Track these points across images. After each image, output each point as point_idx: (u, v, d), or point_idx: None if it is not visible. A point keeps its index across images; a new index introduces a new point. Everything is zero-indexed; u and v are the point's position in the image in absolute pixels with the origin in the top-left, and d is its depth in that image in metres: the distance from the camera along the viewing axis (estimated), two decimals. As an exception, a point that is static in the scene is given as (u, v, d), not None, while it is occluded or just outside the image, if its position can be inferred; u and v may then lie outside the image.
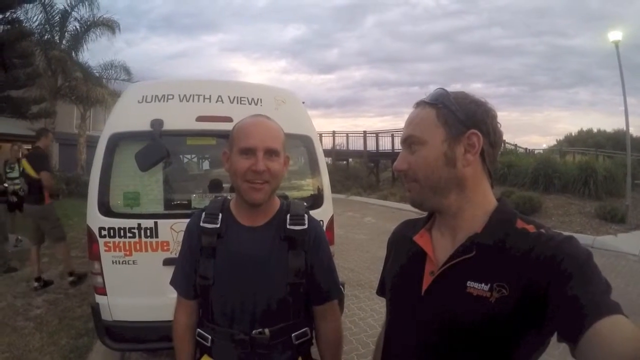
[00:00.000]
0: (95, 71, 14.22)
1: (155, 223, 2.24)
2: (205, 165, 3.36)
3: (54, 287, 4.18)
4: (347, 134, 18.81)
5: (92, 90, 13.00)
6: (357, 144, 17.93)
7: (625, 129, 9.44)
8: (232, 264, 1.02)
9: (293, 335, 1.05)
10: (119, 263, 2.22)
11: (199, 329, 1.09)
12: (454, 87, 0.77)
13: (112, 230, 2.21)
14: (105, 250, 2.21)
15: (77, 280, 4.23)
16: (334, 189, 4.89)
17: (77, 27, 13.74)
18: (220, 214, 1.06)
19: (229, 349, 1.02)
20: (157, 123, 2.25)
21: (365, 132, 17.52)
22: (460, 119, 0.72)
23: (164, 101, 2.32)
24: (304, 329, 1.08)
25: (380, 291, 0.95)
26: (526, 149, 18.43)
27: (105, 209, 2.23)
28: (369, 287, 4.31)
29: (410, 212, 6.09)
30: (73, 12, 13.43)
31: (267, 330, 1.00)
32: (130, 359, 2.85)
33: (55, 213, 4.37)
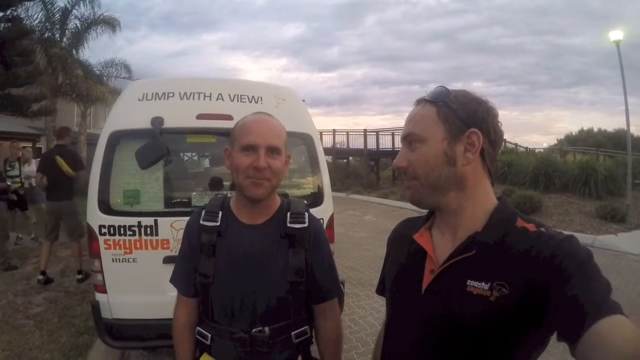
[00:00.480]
0: (95, 69, 14.16)
1: (155, 221, 2.24)
2: (206, 163, 3.36)
3: (54, 285, 4.19)
4: (347, 132, 18.76)
5: (93, 88, 12.95)
6: (357, 143, 17.87)
7: (626, 128, 9.42)
8: (232, 262, 1.02)
9: (293, 333, 1.05)
10: (119, 261, 2.22)
11: (198, 327, 1.09)
12: (454, 86, 0.77)
13: (112, 228, 2.21)
14: (106, 248, 2.21)
15: (84, 278, 4.24)
16: (334, 187, 4.88)
17: (78, 25, 13.69)
18: (220, 212, 1.06)
19: (229, 348, 1.02)
20: (157, 121, 2.25)
21: (365, 131, 17.47)
22: (461, 117, 0.72)
23: (164, 99, 2.32)
24: (303, 328, 1.08)
25: (380, 290, 0.94)
26: (527, 148, 18.44)
27: (106, 207, 2.23)
28: (369, 285, 4.31)
29: (410, 210, 6.09)
30: (73, 10, 13.37)
31: (266, 329, 1.00)
32: (130, 357, 2.85)
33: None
